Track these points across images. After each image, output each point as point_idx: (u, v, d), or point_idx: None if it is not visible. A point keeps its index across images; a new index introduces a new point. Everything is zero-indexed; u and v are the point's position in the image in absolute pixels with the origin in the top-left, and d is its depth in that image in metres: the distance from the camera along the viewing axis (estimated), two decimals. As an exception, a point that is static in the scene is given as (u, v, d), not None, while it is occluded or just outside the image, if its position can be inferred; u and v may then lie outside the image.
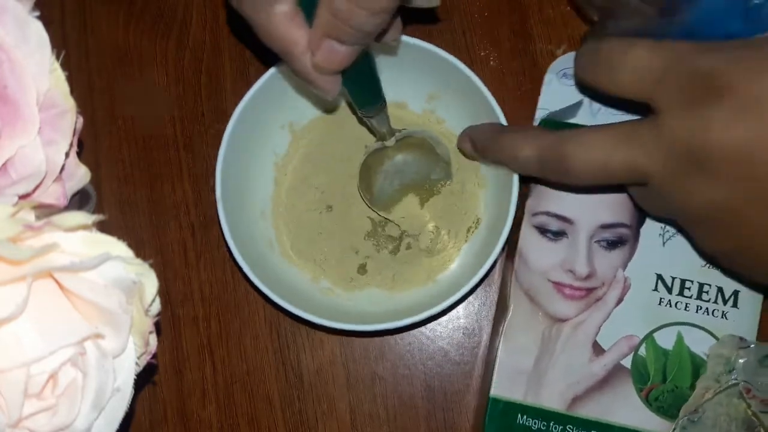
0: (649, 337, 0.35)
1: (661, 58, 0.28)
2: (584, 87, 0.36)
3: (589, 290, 0.36)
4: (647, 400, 0.35)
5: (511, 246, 0.38)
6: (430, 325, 0.40)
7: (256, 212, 0.40)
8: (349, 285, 0.40)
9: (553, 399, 0.35)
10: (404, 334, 0.40)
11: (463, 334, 0.40)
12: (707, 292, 0.36)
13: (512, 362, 0.36)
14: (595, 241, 0.36)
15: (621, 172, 0.29)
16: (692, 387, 0.35)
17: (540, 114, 0.37)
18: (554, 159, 0.30)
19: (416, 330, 0.40)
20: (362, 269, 0.40)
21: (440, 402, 0.40)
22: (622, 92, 0.29)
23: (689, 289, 0.36)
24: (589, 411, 0.35)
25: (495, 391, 0.35)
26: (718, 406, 0.34)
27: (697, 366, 0.35)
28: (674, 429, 0.35)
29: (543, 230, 0.36)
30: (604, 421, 0.35)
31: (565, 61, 0.38)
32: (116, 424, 0.25)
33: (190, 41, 0.43)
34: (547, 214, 0.36)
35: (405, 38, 0.35)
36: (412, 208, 0.40)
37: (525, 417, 0.35)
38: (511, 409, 0.35)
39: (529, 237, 0.36)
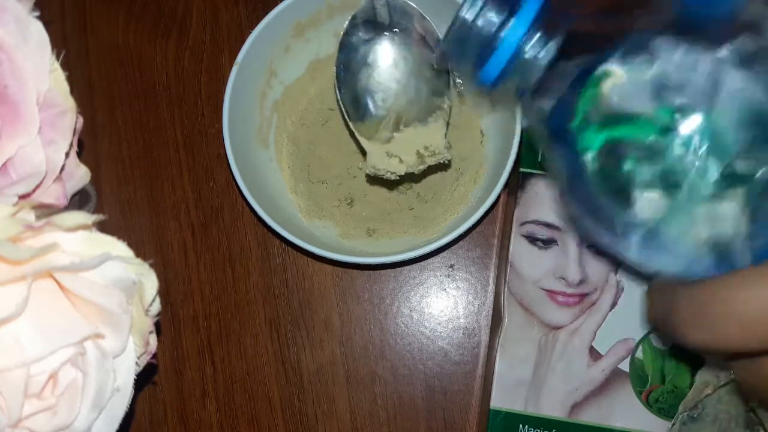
0: (645, 339, 0.35)
1: None
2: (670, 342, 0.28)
3: (583, 296, 0.36)
4: (647, 403, 0.35)
5: (502, 257, 0.38)
6: (430, 325, 0.40)
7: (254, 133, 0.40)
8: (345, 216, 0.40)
9: (553, 407, 0.35)
10: (404, 334, 0.40)
11: (463, 334, 0.40)
12: None
13: (510, 373, 0.36)
14: (585, 247, 0.36)
15: None
16: (691, 386, 0.35)
17: None
18: None
19: (416, 330, 0.40)
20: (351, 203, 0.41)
21: (440, 402, 0.40)
22: (739, 346, 0.23)
23: None
24: (590, 417, 0.35)
25: (495, 402, 0.35)
26: (718, 403, 0.34)
27: (695, 364, 0.35)
28: (674, 424, 0.35)
29: (533, 239, 0.36)
30: (605, 426, 0.35)
31: None
32: (116, 424, 0.25)
33: (190, 41, 0.43)
34: (536, 222, 0.36)
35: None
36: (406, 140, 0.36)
37: (526, 427, 0.35)
38: (512, 419, 0.35)
39: (519, 247, 0.36)
